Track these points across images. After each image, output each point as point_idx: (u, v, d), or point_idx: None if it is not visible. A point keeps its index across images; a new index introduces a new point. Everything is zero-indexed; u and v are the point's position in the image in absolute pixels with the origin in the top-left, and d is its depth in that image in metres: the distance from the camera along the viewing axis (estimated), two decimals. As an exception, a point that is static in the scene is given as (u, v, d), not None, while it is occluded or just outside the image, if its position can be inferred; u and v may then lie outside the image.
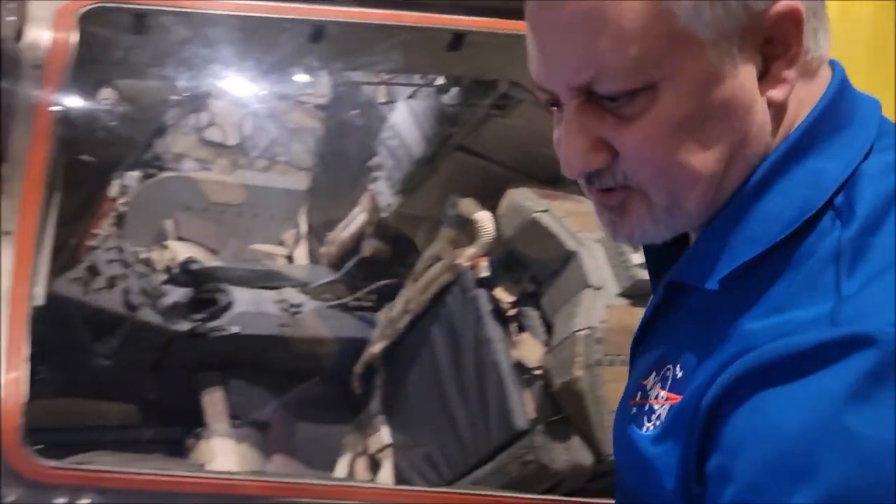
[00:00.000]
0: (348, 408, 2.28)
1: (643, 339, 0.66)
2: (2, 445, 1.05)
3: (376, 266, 2.28)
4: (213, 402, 2.02)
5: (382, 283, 2.24)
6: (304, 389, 2.20)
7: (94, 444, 1.43)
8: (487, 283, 1.78)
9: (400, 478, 1.89)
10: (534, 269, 1.72)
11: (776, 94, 0.56)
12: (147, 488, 1.15)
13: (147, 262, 2.10)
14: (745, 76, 0.54)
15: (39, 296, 1.19)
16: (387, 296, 2.19)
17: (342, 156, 2.52)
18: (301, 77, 2.48)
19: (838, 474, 0.46)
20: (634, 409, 0.60)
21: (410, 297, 2.03)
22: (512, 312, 1.71)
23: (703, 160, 0.55)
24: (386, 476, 1.95)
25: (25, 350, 1.08)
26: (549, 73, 0.56)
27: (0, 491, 1.06)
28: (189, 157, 2.78)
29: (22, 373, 1.06)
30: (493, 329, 1.73)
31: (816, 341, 0.49)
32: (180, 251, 2.29)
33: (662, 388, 0.59)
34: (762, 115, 0.56)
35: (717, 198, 0.57)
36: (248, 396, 2.08)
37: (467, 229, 1.81)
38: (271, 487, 1.22)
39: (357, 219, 2.23)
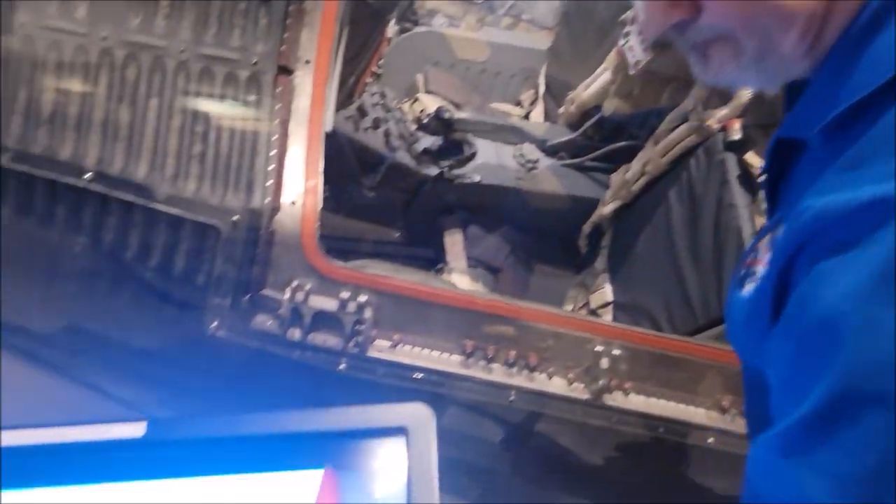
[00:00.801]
0: (574, 264, 2.37)
1: (771, 203, 0.62)
2: (303, 243, 1.26)
3: (616, 127, 2.26)
4: (454, 242, 2.20)
5: (620, 144, 2.22)
6: (534, 241, 2.32)
7: (356, 255, 1.66)
8: (737, 147, 1.71)
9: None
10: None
11: None
12: (410, 295, 1.32)
13: (401, 111, 2.28)
14: None
15: (328, 122, 1.37)
16: (623, 157, 2.19)
17: (589, 13, 2.46)
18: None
19: (854, 361, 0.41)
20: (743, 271, 0.58)
21: (649, 158, 2.01)
22: (762, 178, 1.64)
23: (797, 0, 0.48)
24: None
25: (320, 165, 1.27)
26: None
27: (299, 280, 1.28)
28: (440, 12, 2.88)
29: (318, 182, 1.25)
30: (738, 194, 1.67)
31: (866, 198, 0.42)
32: (429, 104, 2.44)
33: (770, 249, 0.56)
34: None
35: (819, 43, 0.50)
36: (483, 241, 2.24)
37: (722, 88, 1.72)
38: (512, 309, 1.35)
39: (601, 77, 2.20)
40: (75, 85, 1.15)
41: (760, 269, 0.57)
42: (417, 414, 0.88)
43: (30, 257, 1.22)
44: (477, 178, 2.16)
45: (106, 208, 1.16)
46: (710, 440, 1.32)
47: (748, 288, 0.57)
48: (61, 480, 0.81)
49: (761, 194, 1.66)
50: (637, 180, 2.07)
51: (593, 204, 2.23)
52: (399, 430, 0.88)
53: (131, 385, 1.54)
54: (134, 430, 0.85)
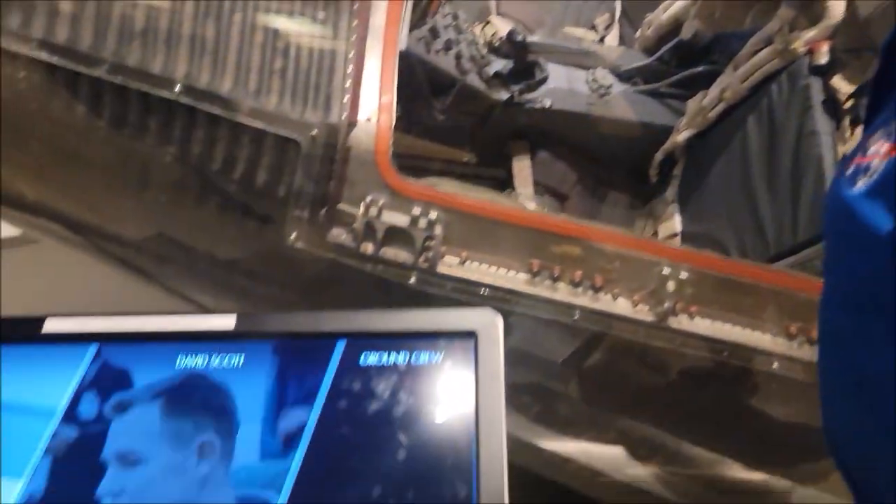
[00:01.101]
0: (643, 193, 2.34)
1: (879, 97, 0.59)
2: (377, 160, 1.29)
3: (694, 51, 2.18)
4: (521, 168, 2.20)
5: (698, 69, 2.15)
6: (603, 169, 2.30)
7: (427, 174, 1.69)
8: (824, 71, 1.64)
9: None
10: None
11: None
12: (479, 213, 1.35)
13: (473, 34, 2.25)
14: None
15: (402, 41, 1.38)
16: (701, 83, 2.12)
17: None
18: None
19: None
20: (851, 169, 0.56)
21: (728, 84, 1.94)
22: (848, 104, 1.57)
23: None
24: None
25: (395, 82, 1.29)
26: None
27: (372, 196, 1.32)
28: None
29: (392, 99, 1.27)
30: (821, 121, 1.61)
31: None
32: (501, 27, 2.40)
33: (886, 140, 0.53)
34: None
35: None
36: (550, 168, 2.23)
37: (810, 9, 1.63)
38: (579, 230, 1.36)
39: (681, -1, 2.12)
40: (164, 0, 1.20)
41: (877, 161, 0.56)
42: (486, 318, 0.92)
43: (124, 168, 1.29)
44: (547, 104, 2.13)
45: (194, 121, 1.22)
46: (775, 365, 1.32)
47: (862, 183, 0.57)
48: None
49: (846, 121, 1.60)
50: (714, 107, 2.01)
51: (667, 131, 2.19)
52: (468, 334, 0.92)
53: (214, 294, 1.64)
54: (225, 322, 0.91)
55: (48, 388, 0.86)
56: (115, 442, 0.84)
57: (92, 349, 0.87)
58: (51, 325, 0.89)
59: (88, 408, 0.85)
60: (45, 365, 0.87)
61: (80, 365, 0.87)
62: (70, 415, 0.85)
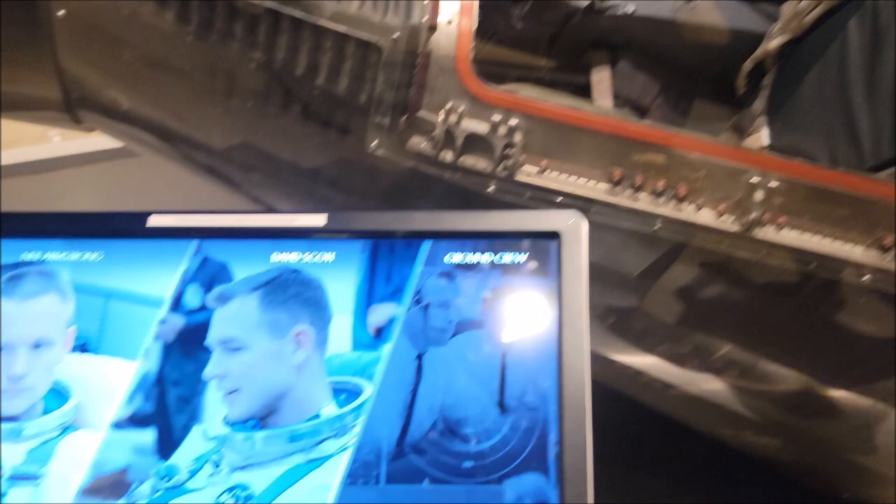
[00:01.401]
0: (729, 105, 2.24)
1: None
2: (457, 66, 1.28)
3: (794, -50, 2.03)
4: (601, 80, 2.13)
5: (796, -30, 2.01)
6: (687, 80, 2.20)
7: (506, 80, 1.66)
8: (941, -33, 1.50)
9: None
10: None
11: None
12: (560, 119, 1.33)
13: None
14: None
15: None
16: (800, -15, 1.98)
17: None
18: None
19: None
20: None
21: (830, -16, 1.81)
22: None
23: None
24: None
25: (477, -11, 1.26)
26: None
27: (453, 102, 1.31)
28: None
29: (474, 1, 1.25)
30: (933, 21, 1.49)
31: None
32: (582, -72, 2.28)
33: None
34: None
35: None
36: (631, 79, 2.15)
37: None
38: (664, 136, 1.33)
39: None
40: None
41: None
42: (571, 220, 0.93)
43: (211, 75, 1.32)
44: (630, 10, 2.04)
45: (277, 26, 1.23)
46: (866, 278, 1.28)
47: None
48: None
49: (962, 20, 1.47)
50: (811, 10, 1.88)
51: (758, 39, 2.06)
52: (552, 235, 0.93)
53: (298, 202, 1.69)
54: (316, 220, 0.95)
55: (154, 279, 0.92)
56: (217, 329, 0.90)
57: (193, 244, 0.92)
58: (154, 221, 0.94)
59: (192, 298, 0.90)
60: (150, 257, 0.93)
61: (183, 258, 0.92)
62: (176, 304, 0.91)
